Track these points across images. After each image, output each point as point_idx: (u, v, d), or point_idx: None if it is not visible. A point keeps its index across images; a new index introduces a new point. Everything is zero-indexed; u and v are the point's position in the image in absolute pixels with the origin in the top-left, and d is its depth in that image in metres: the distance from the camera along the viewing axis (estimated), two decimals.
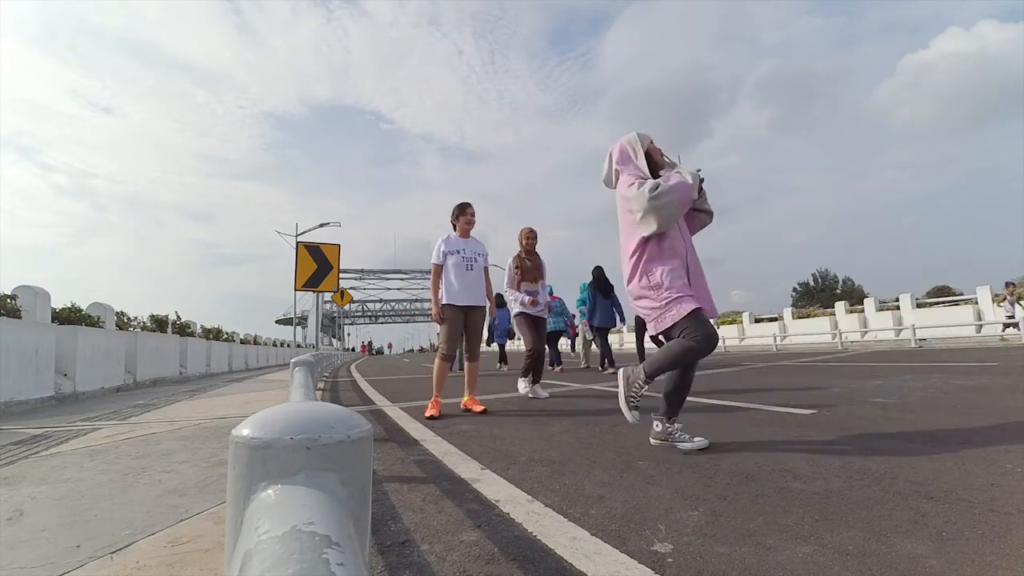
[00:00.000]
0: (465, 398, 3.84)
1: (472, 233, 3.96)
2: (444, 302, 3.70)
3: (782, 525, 1.34)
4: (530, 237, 4.77)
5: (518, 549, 1.27)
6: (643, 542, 1.28)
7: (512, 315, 4.75)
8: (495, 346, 11.20)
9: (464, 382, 3.89)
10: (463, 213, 3.90)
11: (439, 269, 3.77)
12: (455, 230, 3.91)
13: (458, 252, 3.78)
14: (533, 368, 4.56)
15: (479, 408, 3.71)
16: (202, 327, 14.58)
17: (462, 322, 3.76)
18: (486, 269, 3.98)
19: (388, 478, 2.00)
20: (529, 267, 4.69)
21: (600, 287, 7.85)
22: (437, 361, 3.79)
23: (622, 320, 7.84)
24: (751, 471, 1.85)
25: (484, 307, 3.90)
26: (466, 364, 3.90)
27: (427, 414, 3.54)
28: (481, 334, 3.98)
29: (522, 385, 4.62)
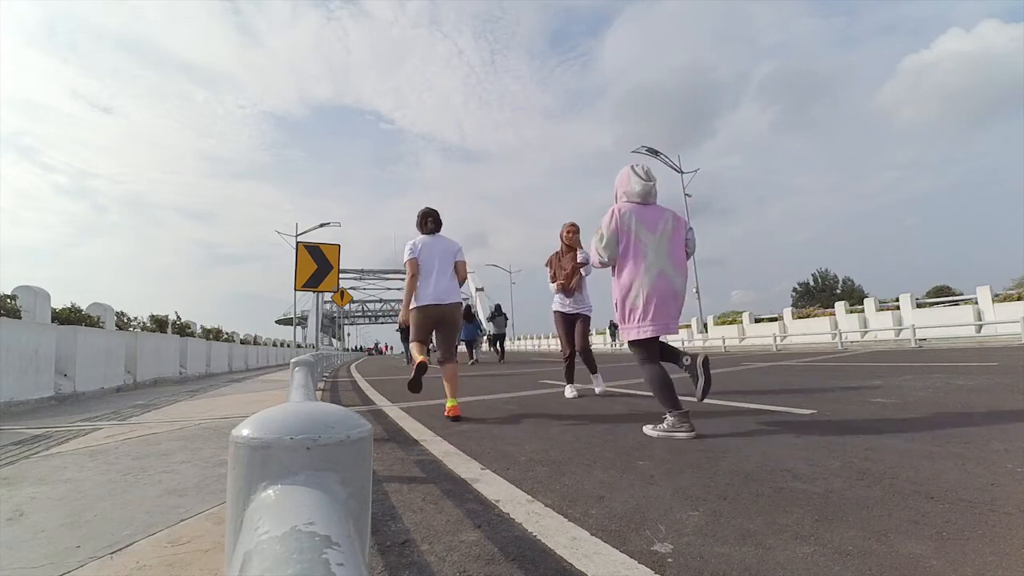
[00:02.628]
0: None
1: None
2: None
3: (782, 525, 1.34)
4: (572, 231, 4.46)
5: (518, 549, 1.27)
6: (643, 542, 1.28)
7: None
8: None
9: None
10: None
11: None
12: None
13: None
14: (574, 367, 4.54)
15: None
16: (202, 327, 14.58)
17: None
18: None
19: (388, 478, 2.01)
20: (561, 266, 4.43)
21: (466, 316, 12.88)
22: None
23: (481, 333, 15.13)
24: (751, 471, 1.85)
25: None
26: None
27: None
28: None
29: (568, 391, 4.41)
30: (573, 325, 4.50)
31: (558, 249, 4.57)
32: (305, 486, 0.45)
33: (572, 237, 4.47)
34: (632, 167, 2.80)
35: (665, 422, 2.52)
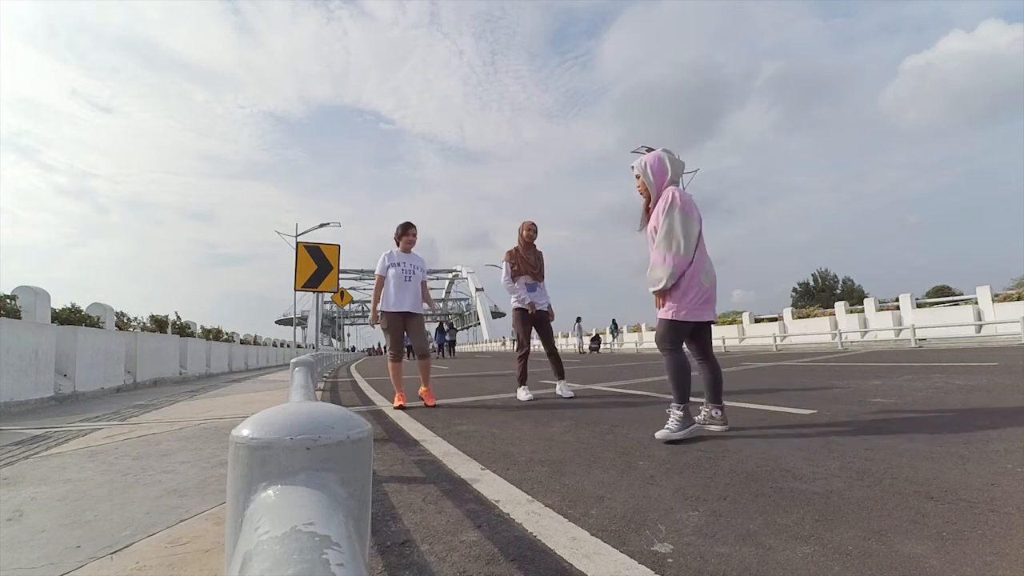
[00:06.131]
0: (422, 388, 4.35)
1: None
2: (383, 309, 4.27)
3: (782, 525, 1.34)
4: (531, 230, 4.72)
5: (518, 549, 1.27)
6: (643, 542, 1.28)
7: (512, 310, 4.71)
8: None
9: (420, 376, 4.43)
10: (406, 233, 4.43)
11: (381, 280, 4.32)
12: (398, 246, 4.43)
13: (398, 265, 4.31)
14: (527, 368, 4.63)
15: (431, 401, 4.20)
16: (202, 327, 14.58)
17: (402, 326, 4.32)
18: (423, 282, 4.45)
19: (388, 478, 2.00)
20: (525, 260, 4.62)
21: (440, 328, 22.19)
22: (389, 364, 4.36)
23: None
24: (751, 471, 1.85)
25: (421, 314, 4.44)
26: (418, 362, 4.43)
27: (395, 405, 4.14)
28: (424, 337, 4.55)
29: (522, 393, 4.41)
30: (533, 323, 4.65)
31: (515, 247, 4.72)
32: (305, 486, 0.45)
33: (530, 235, 4.73)
34: (664, 151, 2.76)
35: (672, 420, 2.43)
